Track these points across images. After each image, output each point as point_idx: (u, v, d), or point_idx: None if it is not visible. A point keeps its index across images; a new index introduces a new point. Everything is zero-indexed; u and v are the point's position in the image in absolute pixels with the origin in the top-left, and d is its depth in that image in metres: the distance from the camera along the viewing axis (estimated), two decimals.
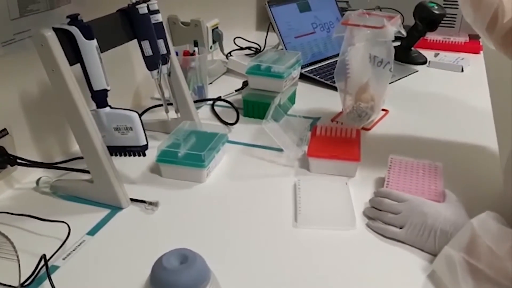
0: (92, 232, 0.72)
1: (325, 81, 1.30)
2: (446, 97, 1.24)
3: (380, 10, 1.61)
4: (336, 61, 1.01)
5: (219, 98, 1.18)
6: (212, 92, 1.21)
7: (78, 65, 0.75)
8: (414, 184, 0.79)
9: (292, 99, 1.17)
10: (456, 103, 1.20)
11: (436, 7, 1.39)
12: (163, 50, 0.92)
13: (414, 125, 1.07)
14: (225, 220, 0.76)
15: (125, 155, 0.81)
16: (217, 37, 1.35)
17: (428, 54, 1.52)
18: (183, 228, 0.74)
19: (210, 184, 0.86)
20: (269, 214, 0.77)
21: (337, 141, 0.92)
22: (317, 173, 0.88)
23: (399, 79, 1.35)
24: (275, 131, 0.89)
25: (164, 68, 0.93)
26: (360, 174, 0.87)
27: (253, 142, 1.00)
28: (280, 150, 0.92)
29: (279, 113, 0.92)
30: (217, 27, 1.34)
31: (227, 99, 1.17)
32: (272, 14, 1.36)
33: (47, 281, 0.60)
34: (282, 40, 1.37)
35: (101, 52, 0.76)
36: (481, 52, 1.57)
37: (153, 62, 0.89)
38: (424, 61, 1.48)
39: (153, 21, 0.88)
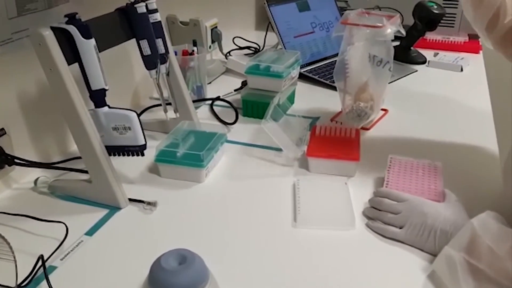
0: (90, 232, 0.72)
1: (325, 81, 1.30)
2: (445, 96, 1.24)
3: (380, 10, 1.61)
4: (335, 60, 1.00)
5: (218, 98, 1.18)
6: (211, 91, 1.21)
7: (76, 64, 0.75)
8: (413, 184, 0.79)
9: (291, 99, 1.17)
10: (456, 103, 1.20)
11: (435, 7, 1.39)
12: (162, 50, 0.91)
13: (414, 125, 1.07)
14: (224, 220, 0.76)
15: (124, 155, 0.81)
16: (216, 37, 1.34)
17: (428, 53, 1.52)
18: (182, 228, 0.74)
19: (209, 184, 0.85)
20: (268, 214, 0.77)
21: (336, 141, 0.92)
22: (317, 173, 0.88)
23: (398, 79, 1.35)
24: (274, 131, 0.89)
25: (162, 68, 0.92)
26: (360, 174, 0.87)
27: (252, 142, 0.99)
28: (279, 150, 0.91)
29: (278, 113, 0.92)
30: (216, 27, 1.34)
31: (226, 98, 1.17)
32: (271, 13, 1.36)
33: (44, 282, 0.60)
34: (281, 40, 1.37)
35: (99, 51, 0.76)
36: (481, 51, 1.57)
37: (151, 61, 0.89)
38: (423, 61, 1.48)
39: (151, 20, 0.88)
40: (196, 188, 0.84)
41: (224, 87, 1.26)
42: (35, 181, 0.82)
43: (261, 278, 0.64)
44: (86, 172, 0.80)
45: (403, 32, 0.96)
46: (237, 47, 1.54)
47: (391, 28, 0.93)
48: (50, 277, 0.61)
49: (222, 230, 0.73)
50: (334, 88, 1.06)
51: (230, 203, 0.80)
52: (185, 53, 1.13)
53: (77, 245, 0.69)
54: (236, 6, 1.67)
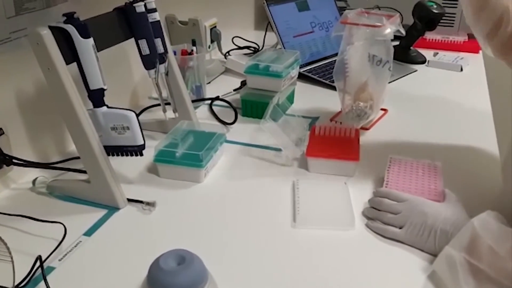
0: (88, 233, 0.72)
1: (324, 81, 1.30)
2: (445, 96, 1.24)
3: (379, 9, 1.61)
4: (335, 60, 1.00)
5: (217, 98, 1.18)
6: (210, 91, 1.21)
7: (75, 64, 0.74)
8: (413, 183, 0.78)
9: (290, 99, 1.17)
10: (455, 103, 1.20)
11: (435, 6, 1.39)
12: (161, 49, 0.91)
13: (413, 125, 1.07)
14: (223, 221, 0.75)
15: (122, 155, 0.81)
16: (215, 37, 1.34)
17: (427, 53, 1.52)
18: (181, 228, 0.74)
19: (208, 184, 0.85)
20: (268, 214, 0.77)
21: (336, 141, 0.91)
22: (316, 173, 0.87)
23: (398, 79, 1.35)
24: (274, 130, 0.88)
25: (161, 67, 0.92)
26: (359, 174, 0.86)
27: (251, 142, 0.99)
28: (279, 150, 0.91)
29: (278, 113, 0.92)
30: (215, 26, 1.34)
31: (225, 98, 1.17)
32: (270, 13, 1.36)
33: (42, 283, 0.60)
34: (281, 39, 1.37)
35: (98, 51, 0.76)
36: (480, 51, 1.56)
37: (150, 61, 0.89)
38: (423, 61, 1.48)
39: (150, 20, 0.88)
40: (195, 188, 0.84)
41: (223, 87, 1.26)
42: (33, 181, 0.82)
43: (261, 278, 0.64)
44: (84, 172, 0.80)
45: (403, 32, 0.96)
46: (236, 47, 1.53)
47: (390, 28, 0.93)
48: (48, 278, 0.61)
49: (221, 231, 0.73)
50: (334, 88, 1.06)
51: (229, 203, 0.80)
52: (184, 52, 1.13)
53: (75, 246, 0.69)
54: (235, 5, 1.67)
